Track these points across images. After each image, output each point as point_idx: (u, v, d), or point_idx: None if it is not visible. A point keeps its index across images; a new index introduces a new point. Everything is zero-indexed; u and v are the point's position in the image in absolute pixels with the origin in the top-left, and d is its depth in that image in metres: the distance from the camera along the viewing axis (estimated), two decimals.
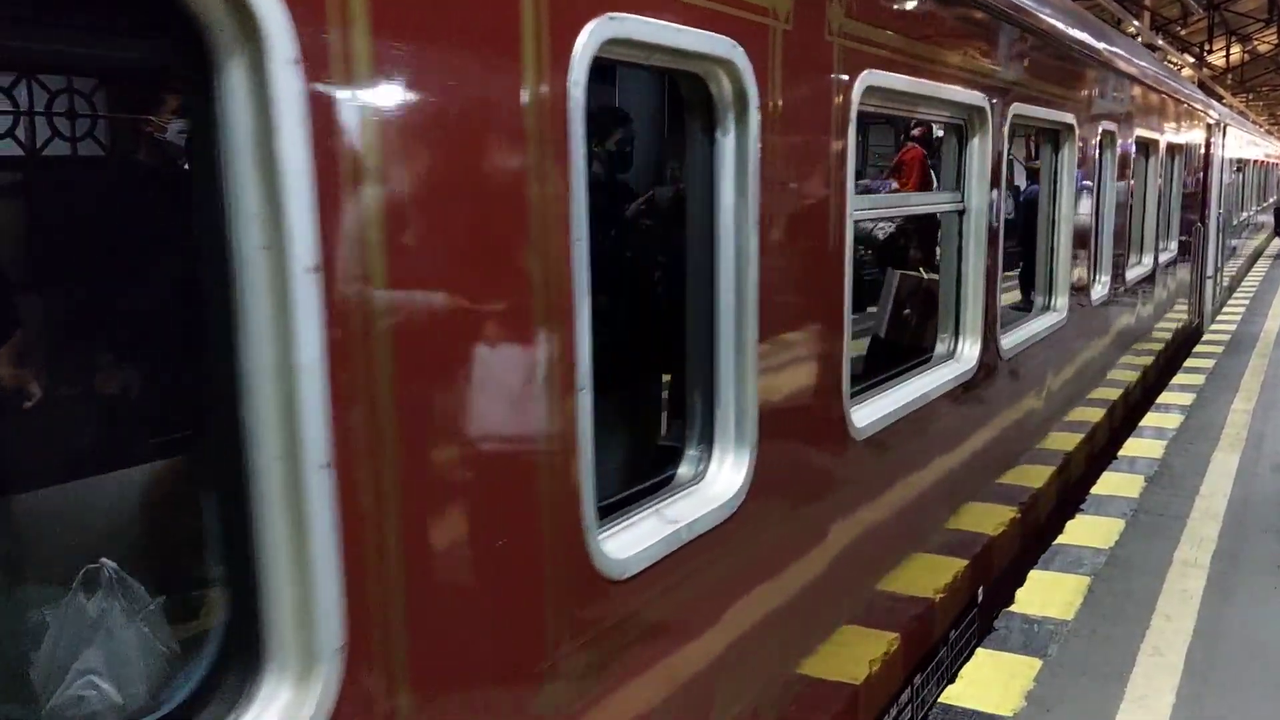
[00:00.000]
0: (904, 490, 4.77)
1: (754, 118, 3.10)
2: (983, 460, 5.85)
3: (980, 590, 5.84)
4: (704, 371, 3.16)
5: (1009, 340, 6.06)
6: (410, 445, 2.03)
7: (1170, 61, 28.96)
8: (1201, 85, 32.04)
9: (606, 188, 4.91)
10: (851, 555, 4.13)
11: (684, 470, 3.20)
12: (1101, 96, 8.05)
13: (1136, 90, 9.42)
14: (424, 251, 2.06)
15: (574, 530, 2.51)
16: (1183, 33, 39.28)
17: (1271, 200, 34.30)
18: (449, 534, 2.18)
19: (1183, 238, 13.20)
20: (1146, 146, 10.44)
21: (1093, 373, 8.51)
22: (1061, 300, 7.26)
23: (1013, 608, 5.39)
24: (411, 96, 2.02)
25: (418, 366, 2.05)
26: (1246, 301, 17.93)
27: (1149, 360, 11.14)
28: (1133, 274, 10.00)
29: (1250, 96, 57.21)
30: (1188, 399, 10.15)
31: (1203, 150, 14.69)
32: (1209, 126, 14.99)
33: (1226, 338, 13.75)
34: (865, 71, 3.91)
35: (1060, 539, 6.40)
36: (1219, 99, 32.31)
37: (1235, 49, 47.79)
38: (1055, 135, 7.13)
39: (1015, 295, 10.17)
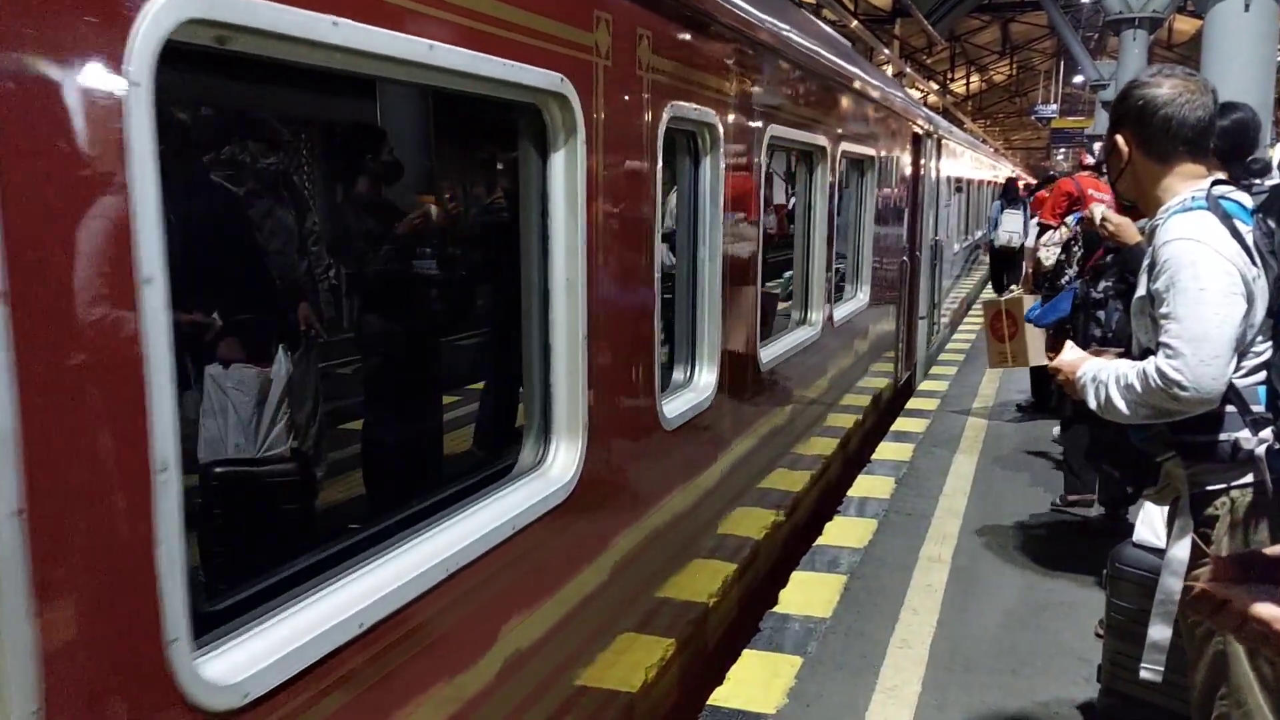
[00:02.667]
0: None
1: None
2: None
3: None
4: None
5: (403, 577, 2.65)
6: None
7: (917, 88, 31.06)
8: (945, 111, 34.64)
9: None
10: None
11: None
12: (687, 64, 4.42)
13: (786, 67, 6.01)
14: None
15: None
16: (929, 61, 42.30)
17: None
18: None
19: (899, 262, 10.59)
20: (810, 156, 7.15)
21: (702, 541, 5.06)
22: (567, 455, 3.54)
23: (776, 608, 5.67)
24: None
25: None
26: (975, 329, 15.30)
27: (796, 496, 6.97)
28: (783, 345, 6.57)
29: (987, 122, 62.42)
30: (933, 404, 10.97)
31: (910, 168, 11.42)
32: (917, 138, 11.71)
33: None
34: None
35: (820, 540, 6.77)
36: (960, 124, 34.98)
37: (974, 78, 51.80)
38: (535, 119, 3.35)
39: None
